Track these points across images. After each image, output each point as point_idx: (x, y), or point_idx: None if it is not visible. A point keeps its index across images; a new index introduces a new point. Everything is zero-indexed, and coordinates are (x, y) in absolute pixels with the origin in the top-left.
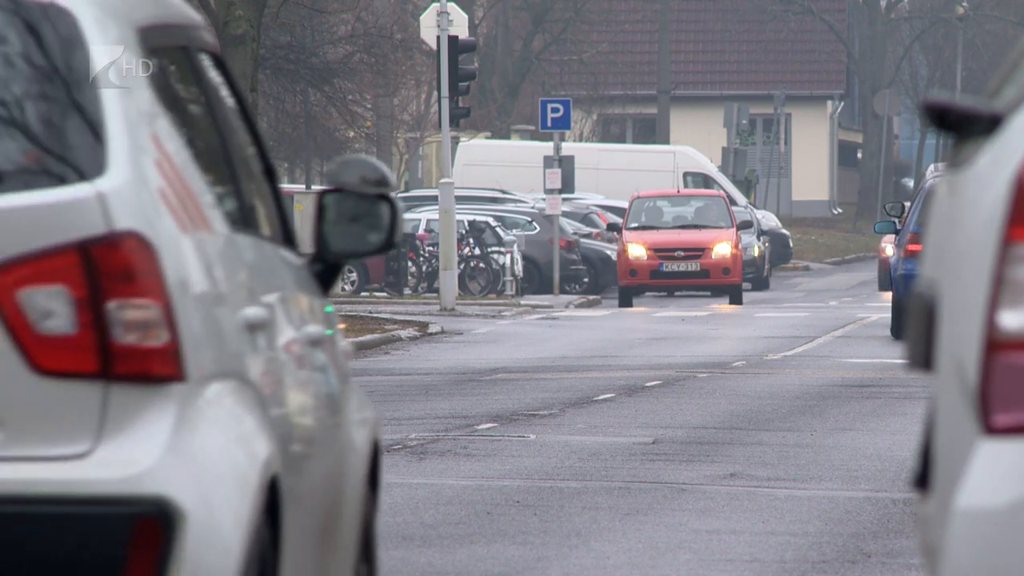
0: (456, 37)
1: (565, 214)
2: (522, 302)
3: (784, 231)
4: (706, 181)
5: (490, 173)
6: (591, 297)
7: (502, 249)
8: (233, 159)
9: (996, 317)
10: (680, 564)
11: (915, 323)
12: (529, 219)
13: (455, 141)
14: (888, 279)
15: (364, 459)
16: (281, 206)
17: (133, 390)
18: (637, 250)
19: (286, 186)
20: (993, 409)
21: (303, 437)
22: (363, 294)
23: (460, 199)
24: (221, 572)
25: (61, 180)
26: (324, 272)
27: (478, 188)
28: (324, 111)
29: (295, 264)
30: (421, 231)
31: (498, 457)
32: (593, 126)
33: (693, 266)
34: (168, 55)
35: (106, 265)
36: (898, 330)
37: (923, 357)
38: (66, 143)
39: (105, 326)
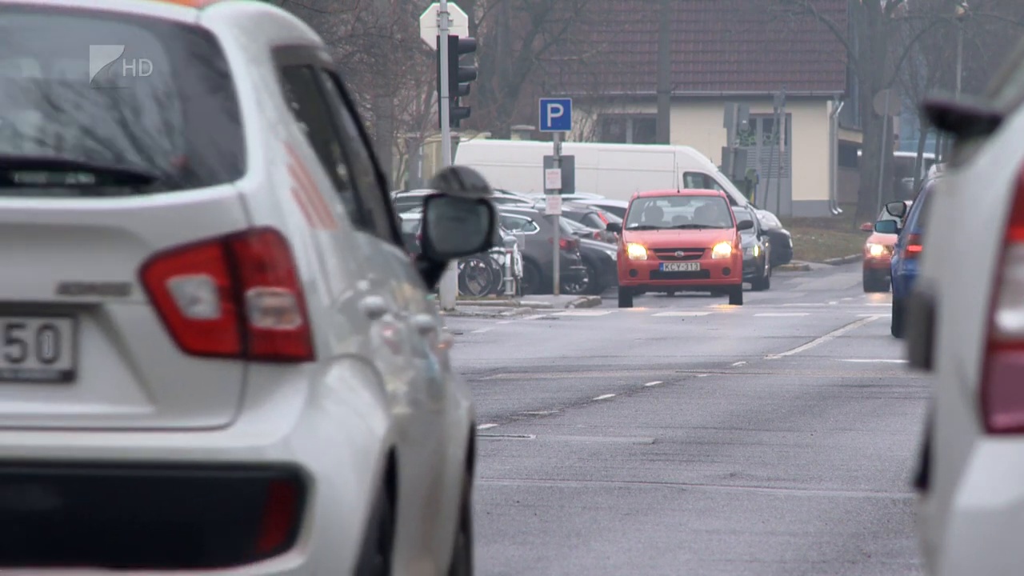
0: (456, 37)
1: (565, 214)
2: (522, 302)
3: (784, 231)
4: (706, 181)
5: (490, 173)
6: (591, 297)
7: (502, 249)
8: (351, 165)
9: (996, 317)
10: (680, 564)
11: (915, 323)
12: (529, 219)
13: (455, 141)
14: (873, 280)
15: (462, 440)
16: (391, 208)
17: (269, 368)
18: (637, 250)
19: None
20: (993, 409)
21: (414, 415)
22: None
23: None
24: (347, 531)
25: (206, 182)
26: (429, 269)
27: None
28: None
29: (404, 260)
30: (421, 231)
31: (498, 457)
32: (593, 126)
33: (693, 266)
34: (296, 72)
35: (246, 257)
36: (899, 329)
37: (923, 357)
38: (210, 149)
39: (245, 311)
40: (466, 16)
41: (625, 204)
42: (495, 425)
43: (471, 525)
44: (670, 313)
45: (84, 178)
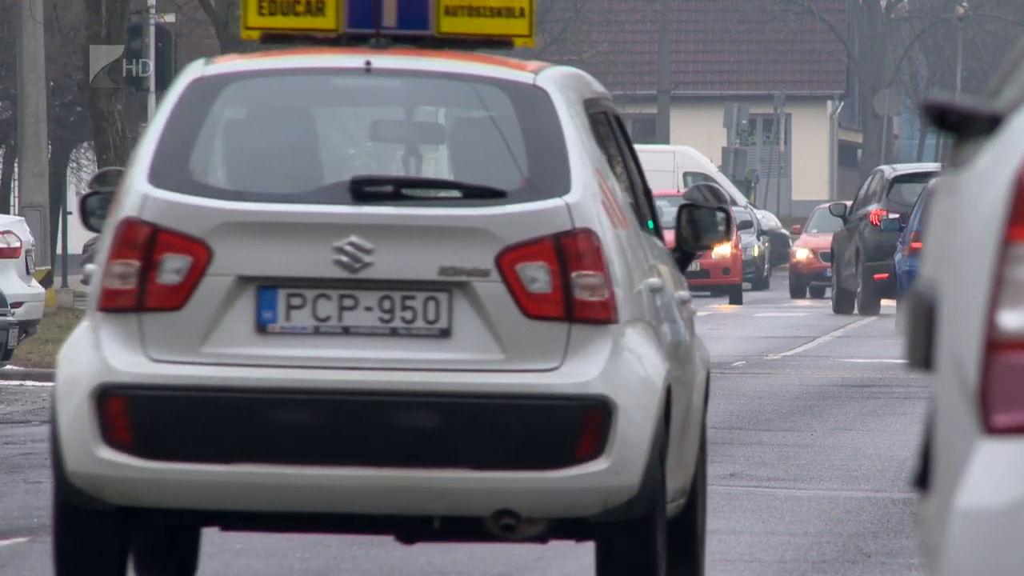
0: None
1: None
2: None
3: (784, 231)
4: (706, 181)
5: None
6: None
7: None
8: (632, 182)
9: (996, 317)
10: None
11: (915, 323)
12: None
13: None
14: (799, 285)
15: (702, 383)
16: (655, 213)
17: (586, 328)
18: None
19: None
20: (993, 409)
21: (677, 364)
22: None
23: None
24: (639, 444)
25: (543, 196)
26: (681, 258)
27: None
28: None
29: (666, 251)
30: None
31: None
32: None
33: (693, 266)
34: (597, 117)
35: (570, 249)
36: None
37: (923, 357)
38: (545, 172)
39: (569, 287)
40: None
41: None
42: None
43: (706, 446)
44: None
45: (457, 193)
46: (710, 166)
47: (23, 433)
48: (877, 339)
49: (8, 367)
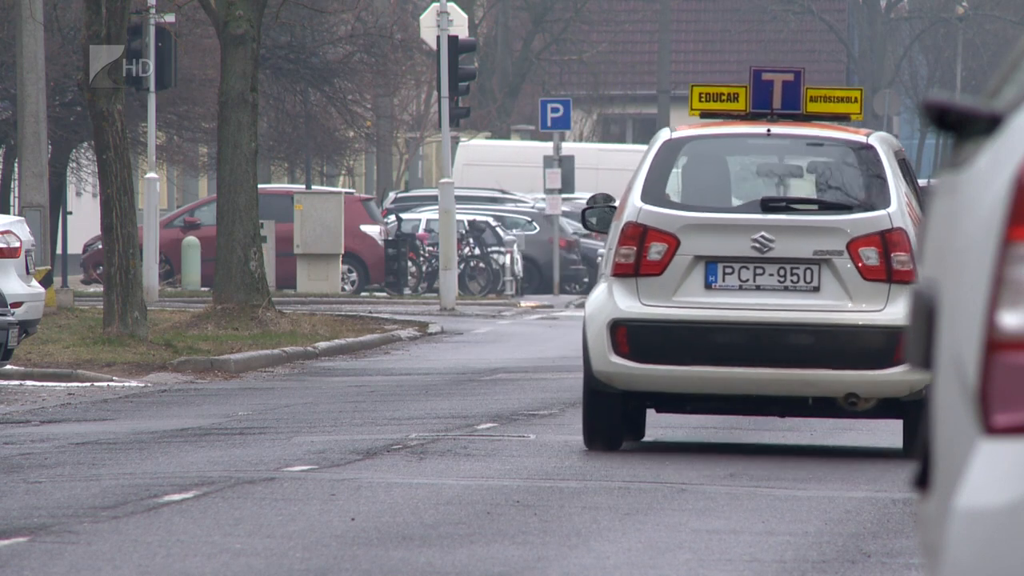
0: (456, 37)
1: (565, 214)
2: (522, 302)
3: None
4: None
5: (490, 173)
6: None
7: (502, 249)
8: (919, 200)
9: (996, 317)
10: (680, 564)
11: (915, 323)
12: (529, 219)
13: (455, 141)
14: None
15: None
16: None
17: (899, 286)
18: None
19: (286, 186)
20: (993, 409)
21: None
22: (363, 294)
23: (460, 199)
24: None
25: (874, 208)
26: None
27: (478, 188)
28: (324, 111)
29: None
30: (421, 231)
31: (498, 457)
32: (593, 126)
33: None
34: (900, 163)
35: (891, 240)
36: None
37: (923, 357)
38: (875, 194)
39: (890, 262)
40: (466, 16)
41: None
42: (495, 425)
43: None
44: None
45: (821, 207)
46: None
47: (23, 433)
48: None
49: (8, 367)
